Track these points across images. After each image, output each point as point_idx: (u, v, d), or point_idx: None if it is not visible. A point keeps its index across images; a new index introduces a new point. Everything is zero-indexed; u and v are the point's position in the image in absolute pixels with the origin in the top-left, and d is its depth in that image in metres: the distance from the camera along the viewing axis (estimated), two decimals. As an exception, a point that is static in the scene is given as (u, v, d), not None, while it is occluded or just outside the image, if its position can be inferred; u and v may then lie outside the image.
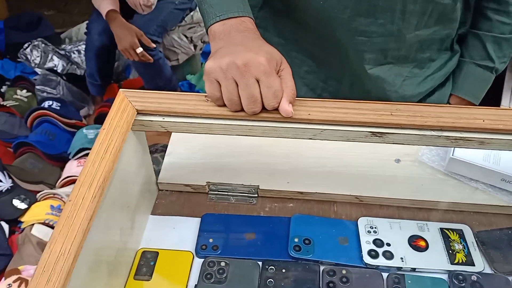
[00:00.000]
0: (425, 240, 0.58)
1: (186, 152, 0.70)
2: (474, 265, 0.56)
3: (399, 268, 0.56)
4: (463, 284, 0.53)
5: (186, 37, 1.96)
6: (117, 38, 1.68)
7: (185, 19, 1.93)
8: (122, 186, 0.52)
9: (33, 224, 1.36)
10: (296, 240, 0.58)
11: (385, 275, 0.55)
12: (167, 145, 0.72)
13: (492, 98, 0.80)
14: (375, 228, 0.59)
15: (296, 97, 0.53)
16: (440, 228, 0.59)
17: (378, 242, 0.58)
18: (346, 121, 0.52)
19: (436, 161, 0.68)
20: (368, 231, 0.59)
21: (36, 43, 2.16)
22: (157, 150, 1.47)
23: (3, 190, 1.44)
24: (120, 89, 0.56)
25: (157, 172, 0.67)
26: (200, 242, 0.59)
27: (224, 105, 0.52)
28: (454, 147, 0.64)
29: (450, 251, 0.57)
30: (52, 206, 1.42)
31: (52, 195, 1.47)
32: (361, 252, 0.57)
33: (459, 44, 0.76)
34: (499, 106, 1.42)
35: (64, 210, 0.44)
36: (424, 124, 0.51)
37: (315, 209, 0.63)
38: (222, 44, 0.53)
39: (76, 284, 0.41)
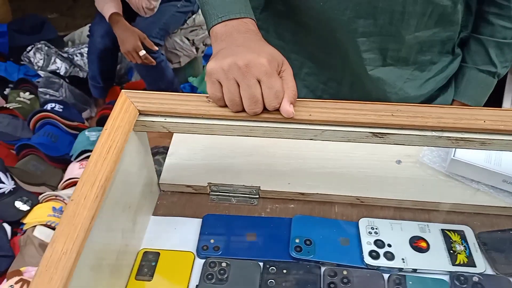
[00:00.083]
0: (426, 241, 0.58)
1: (188, 153, 0.71)
2: (475, 266, 0.55)
3: (400, 269, 0.55)
4: (465, 285, 0.53)
5: (188, 39, 1.97)
6: (120, 40, 1.69)
7: (187, 22, 1.94)
8: (124, 187, 0.53)
9: (35, 226, 1.36)
10: (297, 241, 0.58)
11: (386, 276, 0.55)
12: (168, 147, 0.72)
13: (494, 101, 0.80)
14: (376, 229, 0.59)
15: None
16: (442, 229, 0.59)
17: (379, 243, 0.58)
18: (347, 122, 0.52)
19: (437, 162, 0.68)
20: (369, 232, 0.59)
21: (39, 46, 2.17)
22: (159, 152, 1.48)
23: (6, 192, 1.45)
24: (122, 90, 0.56)
25: (158, 173, 0.67)
26: (202, 242, 0.59)
27: (226, 106, 0.53)
28: (455, 148, 0.64)
29: (452, 252, 0.57)
30: (54, 208, 1.43)
31: (54, 197, 1.47)
32: (362, 253, 0.57)
33: (461, 48, 0.76)
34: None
35: (66, 209, 0.44)
36: (425, 124, 0.51)
37: (316, 210, 0.63)
38: (223, 45, 0.54)
39: (78, 284, 0.41)
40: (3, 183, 1.46)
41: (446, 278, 0.55)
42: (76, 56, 2.22)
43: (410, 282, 0.54)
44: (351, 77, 0.74)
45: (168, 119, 0.54)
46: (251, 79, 0.49)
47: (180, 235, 0.61)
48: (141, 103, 0.55)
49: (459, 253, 0.57)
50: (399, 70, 0.72)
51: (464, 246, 0.57)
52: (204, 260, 0.57)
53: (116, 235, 0.52)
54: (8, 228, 1.39)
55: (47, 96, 1.96)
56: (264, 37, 0.56)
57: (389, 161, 0.68)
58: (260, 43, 0.54)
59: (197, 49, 2.03)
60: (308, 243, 0.58)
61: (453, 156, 0.64)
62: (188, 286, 0.55)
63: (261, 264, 0.56)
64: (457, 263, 0.56)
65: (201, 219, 0.62)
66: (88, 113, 2.03)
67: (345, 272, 0.55)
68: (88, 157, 1.62)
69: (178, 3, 1.85)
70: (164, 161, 0.70)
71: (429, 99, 0.77)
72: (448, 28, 0.69)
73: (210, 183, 0.65)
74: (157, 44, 1.77)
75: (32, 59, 2.16)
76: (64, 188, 1.56)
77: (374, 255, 0.56)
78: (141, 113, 0.55)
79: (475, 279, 0.54)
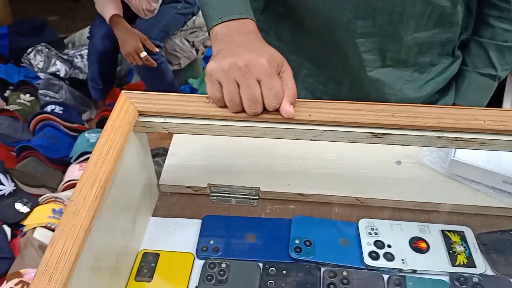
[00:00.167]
0: (426, 242, 0.58)
1: (188, 153, 0.71)
2: (475, 267, 0.55)
3: (400, 270, 0.55)
4: (464, 286, 0.53)
5: (188, 41, 1.97)
6: (121, 42, 1.69)
7: (187, 23, 1.94)
8: (123, 187, 0.53)
9: (35, 228, 1.36)
10: (296, 241, 0.58)
11: (386, 276, 0.55)
12: (167, 149, 0.72)
13: (494, 102, 0.79)
14: (376, 229, 0.59)
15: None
16: (441, 230, 0.59)
17: (379, 244, 0.57)
18: (346, 122, 0.52)
19: (437, 163, 0.68)
20: (369, 232, 0.59)
21: (39, 48, 2.18)
22: (158, 154, 1.48)
23: (6, 194, 1.45)
24: (122, 91, 0.56)
25: (158, 174, 0.67)
26: (201, 243, 0.59)
27: (226, 106, 0.53)
28: (455, 148, 0.64)
29: (451, 253, 0.57)
30: (54, 210, 1.42)
31: (54, 199, 1.47)
32: (362, 254, 0.57)
33: (461, 51, 0.76)
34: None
35: (66, 209, 0.44)
36: (425, 125, 0.51)
37: (316, 210, 0.63)
38: (223, 46, 0.54)
39: (77, 284, 0.41)
40: (3, 185, 1.46)
41: (446, 278, 0.55)
42: (76, 58, 2.23)
43: (410, 283, 0.54)
44: (351, 78, 0.74)
45: (168, 120, 0.54)
46: (251, 79, 0.50)
47: (179, 236, 0.61)
48: (141, 103, 0.55)
49: (459, 254, 0.57)
50: (398, 71, 0.72)
51: (464, 247, 0.57)
52: (204, 261, 0.57)
53: (115, 236, 0.52)
54: (8, 230, 1.39)
55: (47, 98, 1.96)
56: (264, 39, 0.57)
57: (389, 162, 0.68)
58: (260, 44, 0.54)
59: (197, 50, 2.03)
60: (308, 244, 0.58)
61: (453, 157, 0.64)
62: (187, 287, 0.55)
63: (260, 265, 0.56)
64: (457, 263, 0.56)
65: (200, 220, 0.62)
66: (88, 115, 2.03)
67: (344, 273, 0.55)
68: (88, 159, 1.62)
69: (178, 5, 1.85)
70: (164, 162, 0.70)
71: (429, 102, 0.77)
72: (448, 29, 0.69)
73: (210, 184, 0.65)
74: (157, 46, 1.77)
75: (32, 61, 2.16)
76: (64, 190, 1.56)
77: (374, 255, 0.56)
78: (141, 113, 0.55)
79: (475, 279, 0.54)
